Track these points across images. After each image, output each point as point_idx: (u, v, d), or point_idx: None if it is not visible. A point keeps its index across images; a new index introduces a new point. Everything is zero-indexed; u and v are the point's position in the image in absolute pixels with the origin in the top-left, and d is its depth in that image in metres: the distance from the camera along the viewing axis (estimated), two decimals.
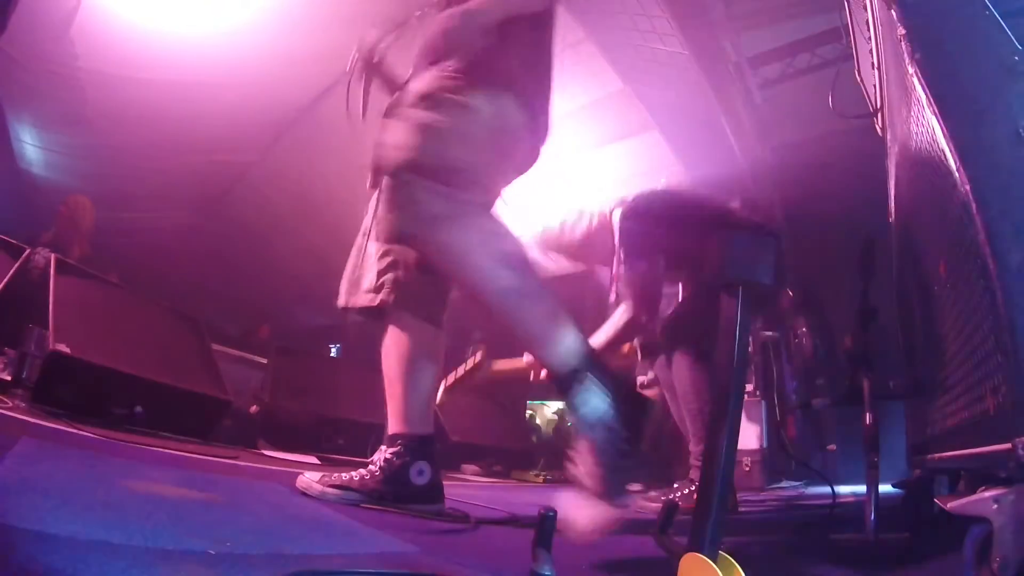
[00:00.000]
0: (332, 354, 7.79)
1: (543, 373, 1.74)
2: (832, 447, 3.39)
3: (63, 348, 1.97)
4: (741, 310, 0.70)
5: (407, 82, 1.42)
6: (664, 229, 2.02)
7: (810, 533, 1.51)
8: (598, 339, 2.10)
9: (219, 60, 3.47)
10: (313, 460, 2.42)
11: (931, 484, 1.34)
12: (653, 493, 2.08)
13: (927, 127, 1.01)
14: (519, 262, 1.15)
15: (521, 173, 1.44)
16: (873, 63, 1.76)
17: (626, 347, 2.42)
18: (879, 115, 1.86)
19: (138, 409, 2.17)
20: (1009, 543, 0.72)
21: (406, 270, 1.46)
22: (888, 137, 1.78)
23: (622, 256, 2.02)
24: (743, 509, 2.26)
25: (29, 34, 3.19)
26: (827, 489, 2.11)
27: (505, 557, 1.09)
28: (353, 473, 1.42)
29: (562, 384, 1.06)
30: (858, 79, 2.04)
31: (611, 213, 2.13)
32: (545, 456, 4.40)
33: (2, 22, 0.83)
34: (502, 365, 3.38)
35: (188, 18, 3.27)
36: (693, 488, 1.91)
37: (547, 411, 6.26)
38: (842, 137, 3.53)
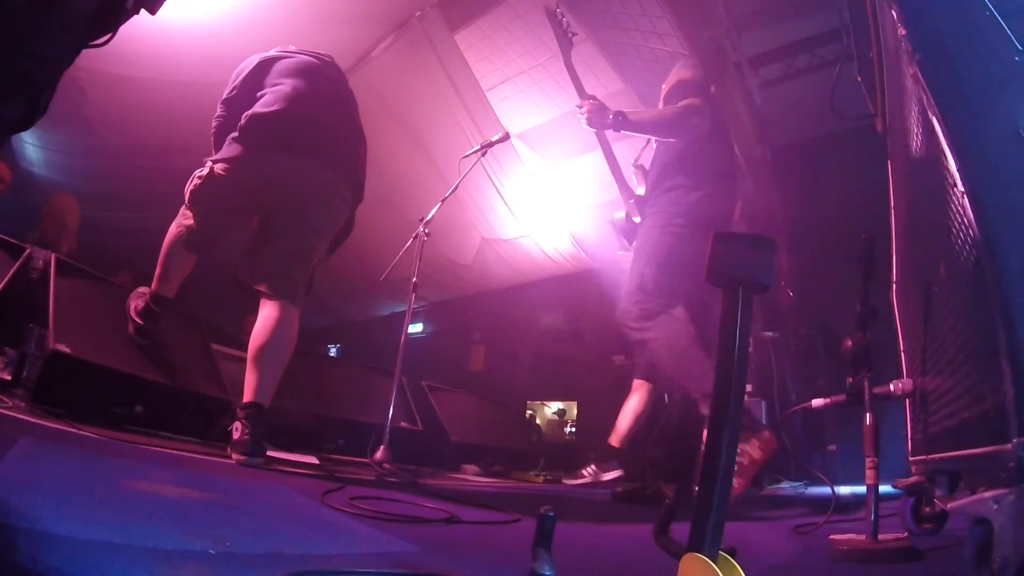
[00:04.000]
0: (332, 354, 7.80)
1: None
2: (832, 447, 3.39)
3: (63, 348, 1.97)
4: (741, 310, 0.70)
5: None
6: None
7: (810, 533, 1.51)
8: None
9: (220, 60, 3.47)
10: (313, 460, 2.42)
11: (931, 484, 1.34)
12: None
13: (927, 127, 1.01)
14: None
15: None
16: (873, 63, 1.76)
17: None
18: (879, 115, 1.86)
19: (138, 409, 2.17)
20: (1009, 543, 0.72)
21: None
22: (888, 137, 1.78)
23: None
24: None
25: None
26: (827, 489, 2.12)
27: (505, 557, 1.09)
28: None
29: None
30: (858, 79, 2.04)
31: None
32: (545, 456, 4.40)
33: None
34: None
35: (189, 17, 3.27)
36: None
37: (547, 411, 6.26)
38: (842, 137, 3.53)
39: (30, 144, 4.55)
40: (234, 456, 1.84)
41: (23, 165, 4.75)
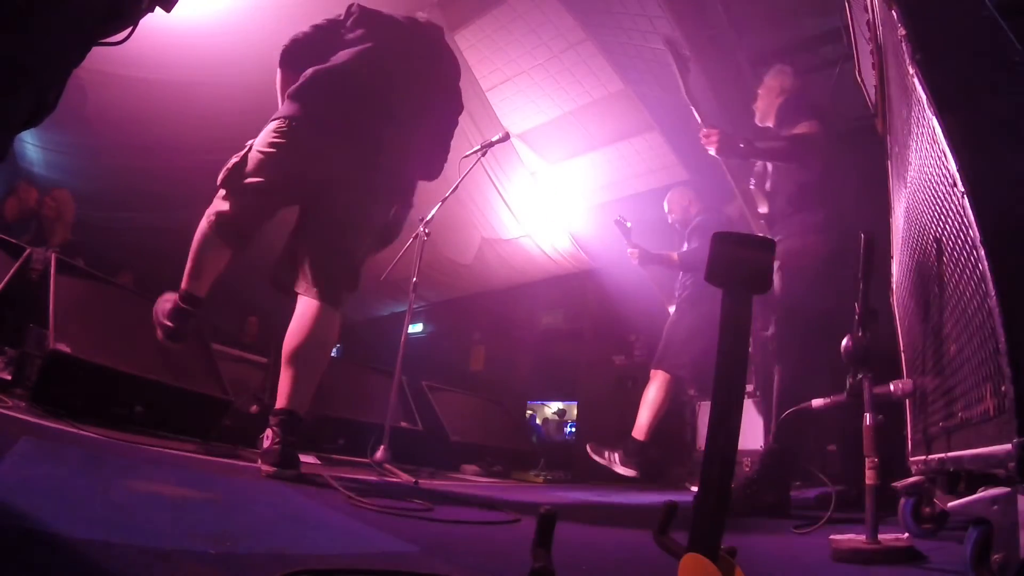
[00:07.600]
0: (332, 354, 7.80)
1: None
2: (832, 447, 3.39)
3: (63, 348, 1.97)
4: (740, 310, 0.70)
5: None
6: None
7: (810, 533, 1.51)
8: None
9: (220, 60, 3.47)
10: (313, 460, 2.42)
11: (931, 484, 1.33)
12: None
13: (927, 127, 1.01)
14: None
15: None
16: (873, 63, 1.76)
17: None
18: (879, 115, 1.86)
19: (138, 409, 2.18)
20: (1009, 543, 0.72)
21: None
22: (888, 137, 1.78)
23: None
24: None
25: None
26: (827, 489, 2.12)
27: (505, 557, 1.09)
28: None
29: None
30: (858, 79, 2.04)
31: None
32: (545, 456, 4.40)
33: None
34: None
35: (190, 17, 3.26)
36: None
37: (547, 411, 6.26)
38: (842, 137, 3.53)
39: (30, 144, 4.55)
40: (263, 467, 1.65)
41: (23, 165, 4.75)
